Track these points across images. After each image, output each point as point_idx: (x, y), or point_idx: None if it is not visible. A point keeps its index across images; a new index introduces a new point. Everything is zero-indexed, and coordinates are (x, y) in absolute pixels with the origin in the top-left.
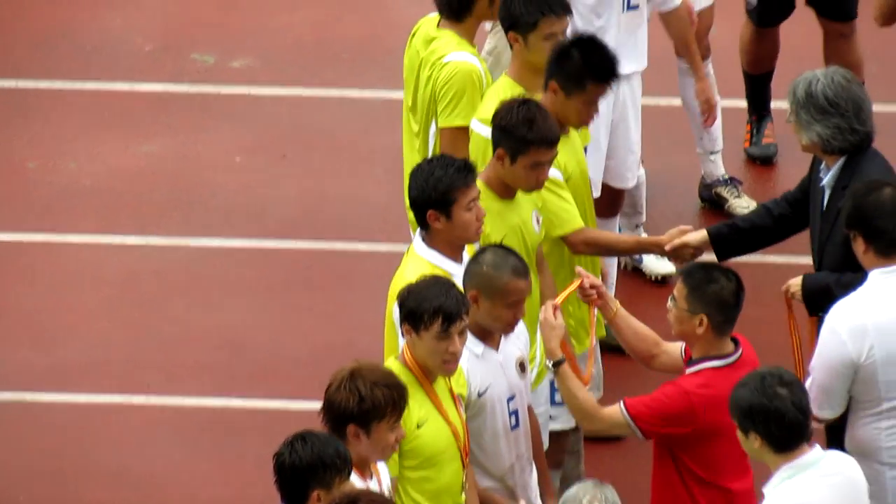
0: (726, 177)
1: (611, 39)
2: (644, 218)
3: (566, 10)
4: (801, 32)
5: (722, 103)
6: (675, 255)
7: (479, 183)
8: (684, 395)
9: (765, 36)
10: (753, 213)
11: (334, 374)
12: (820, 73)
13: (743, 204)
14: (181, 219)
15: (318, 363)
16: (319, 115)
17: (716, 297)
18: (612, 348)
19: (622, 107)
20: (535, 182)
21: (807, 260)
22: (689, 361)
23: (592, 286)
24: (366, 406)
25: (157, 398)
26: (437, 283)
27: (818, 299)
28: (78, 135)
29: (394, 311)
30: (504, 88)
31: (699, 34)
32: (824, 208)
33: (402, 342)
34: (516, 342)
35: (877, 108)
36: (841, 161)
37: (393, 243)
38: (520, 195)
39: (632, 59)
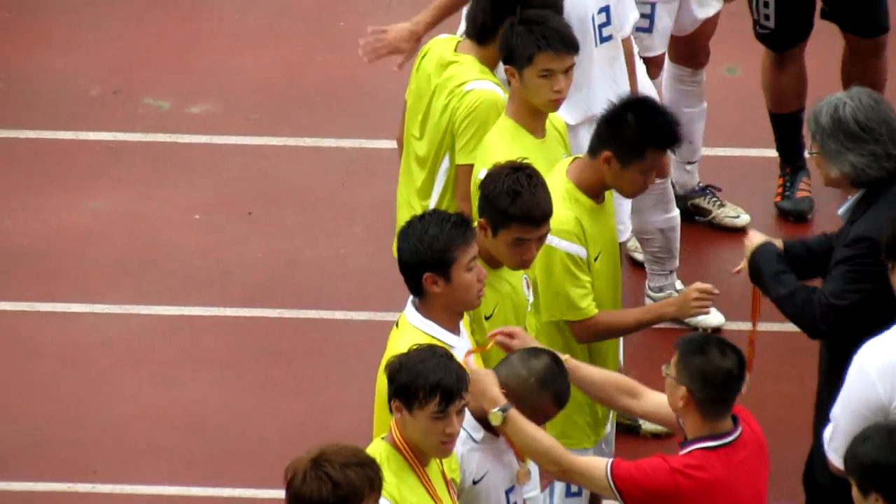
0: (702, 185)
1: (587, 75)
2: (678, 263)
3: (568, 48)
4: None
5: (748, 151)
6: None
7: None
8: (671, 473)
9: (787, 63)
10: (820, 240)
11: (291, 465)
12: (844, 95)
13: (730, 213)
14: (132, 284)
15: (289, 446)
16: (290, 166)
17: (699, 371)
18: None
19: None
20: (520, 260)
21: None
22: (682, 442)
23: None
24: (342, 492)
25: (105, 486)
26: (434, 355)
27: (755, 275)
28: (15, 189)
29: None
30: (505, 132)
31: (701, 41)
32: (836, 241)
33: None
34: None
35: None
36: (860, 192)
37: (372, 311)
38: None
39: (612, 94)
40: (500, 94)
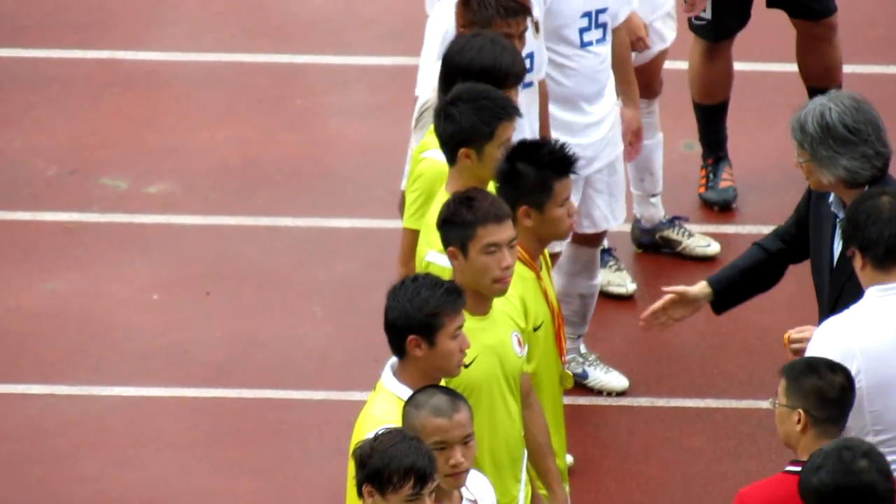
0: (668, 217)
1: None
2: (585, 329)
3: (517, 113)
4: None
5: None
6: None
7: None
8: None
9: (717, 55)
10: (749, 255)
11: None
12: (826, 100)
13: (700, 242)
14: (91, 365)
15: None
16: (248, 246)
17: (814, 389)
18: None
19: None
20: (499, 270)
21: None
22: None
23: None
24: None
25: None
26: (405, 438)
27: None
28: None
29: None
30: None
31: (653, 74)
32: (842, 246)
33: None
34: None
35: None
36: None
37: (331, 391)
38: (496, 312)
39: (530, 136)
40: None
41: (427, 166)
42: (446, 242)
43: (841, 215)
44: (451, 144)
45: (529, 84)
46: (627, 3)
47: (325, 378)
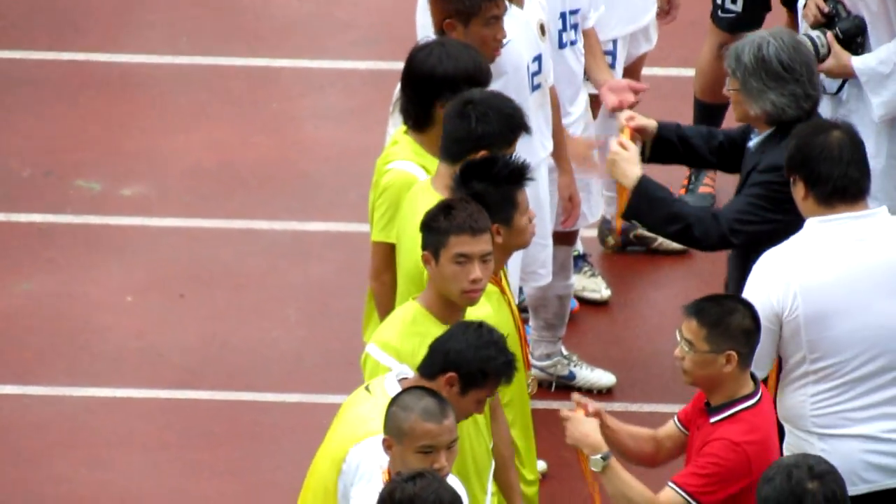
0: None
1: (532, 123)
2: (564, 331)
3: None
4: None
5: None
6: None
7: (417, 307)
8: (736, 447)
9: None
10: (700, 132)
11: None
12: (767, 34)
13: None
14: (65, 366)
15: None
16: (222, 249)
17: (740, 328)
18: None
19: (535, 195)
20: (467, 282)
21: None
22: (711, 409)
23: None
24: None
25: None
26: (441, 484)
27: (641, 207)
28: None
29: (346, 467)
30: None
31: (635, 76)
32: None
33: None
34: None
35: None
36: (772, 128)
37: (304, 393)
38: None
39: (546, 139)
40: (416, 177)
41: (394, 178)
42: (424, 245)
43: (751, 144)
44: (468, 146)
45: (538, 86)
46: (595, 8)
47: (298, 381)
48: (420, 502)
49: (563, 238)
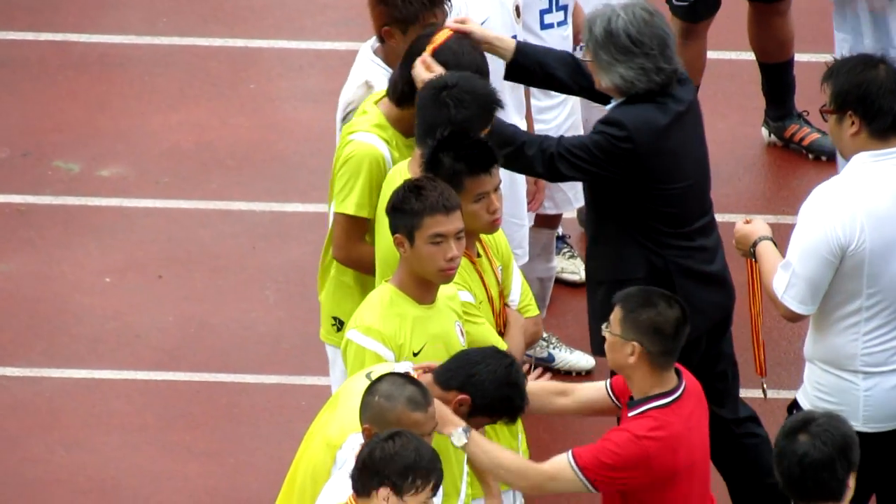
0: None
1: (505, 99)
2: (545, 314)
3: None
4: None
5: None
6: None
7: (392, 289)
8: (636, 441)
9: (693, 37)
10: (564, 60)
11: None
12: (619, 8)
13: None
14: (42, 347)
15: None
16: (200, 230)
17: (650, 323)
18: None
19: (509, 174)
20: (444, 261)
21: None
22: (630, 402)
23: None
24: None
25: None
26: (422, 443)
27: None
28: None
29: (341, 455)
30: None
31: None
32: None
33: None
34: None
35: None
36: (621, 99)
37: (283, 375)
38: (440, 303)
39: (520, 119)
40: (379, 149)
41: (356, 148)
42: (393, 229)
43: (606, 108)
44: (444, 130)
45: (563, 23)
46: None
47: (276, 362)
48: (401, 459)
49: (546, 221)
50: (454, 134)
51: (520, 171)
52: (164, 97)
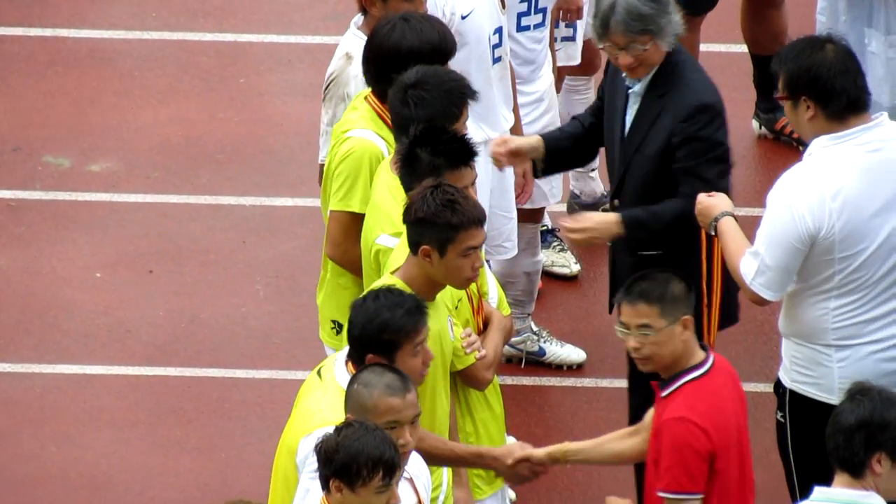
0: (609, 191)
1: (488, 96)
2: (533, 307)
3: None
4: None
5: None
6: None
7: (399, 283)
8: (691, 426)
9: (689, 28)
10: (572, 126)
11: None
12: None
13: None
14: (33, 343)
15: None
16: (190, 224)
17: (684, 292)
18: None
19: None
20: (471, 271)
21: None
22: (661, 383)
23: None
24: None
25: None
26: (369, 431)
27: (638, 234)
28: None
29: (300, 460)
30: (399, 189)
31: (595, 50)
32: (633, 118)
33: (298, 501)
34: (416, 481)
35: None
36: (656, 68)
37: (274, 370)
38: (439, 299)
39: (507, 111)
40: (378, 146)
41: (354, 145)
42: (420, 239)
43: (636, 88)
44: (417, 127)
45: (499, 59)
46: None
47: (267, 357)
48: (344, 450)
49: (530, 215)
50: (429, 129)
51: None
52: (154, 92)
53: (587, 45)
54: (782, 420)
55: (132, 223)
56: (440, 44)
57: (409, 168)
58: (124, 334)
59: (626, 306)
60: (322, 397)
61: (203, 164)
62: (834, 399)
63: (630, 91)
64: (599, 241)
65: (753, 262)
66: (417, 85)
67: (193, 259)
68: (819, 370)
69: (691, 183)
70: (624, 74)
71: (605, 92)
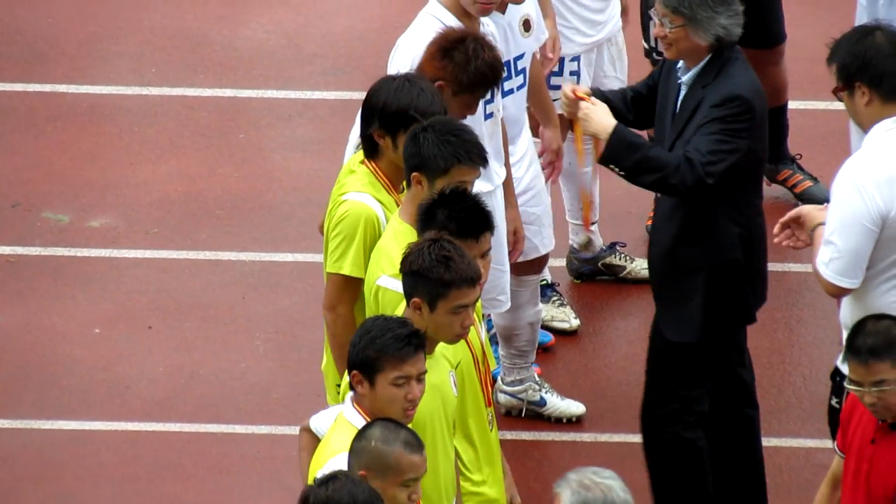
0: (608, 245)
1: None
2: (535, 355)
3: (482, 162)
4: None
5: None
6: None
7: None
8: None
9: (771, 61)
10: (615, 94)
11: None
12: None
13: (644, 265)
14: (32, 399)
15: None
16: (190, 280)
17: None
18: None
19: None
20: (460, 328)
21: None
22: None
23: None
24: None
25: None
26: (356, 484)
27: (619, 152)
28: None
29: None
30: (404, 235)
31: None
32: (677, 108)
33: None
34: None
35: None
36: (706, 59)
37: (273, 425)
38: (438, 352)
39: (499, 166)
40: (374, 210)
41: (350, 209)
42: (413, 291)
43: (684, 79)
44: (408, 165)
45: (490, 115)
46: (537, 40)
47: (266, 412)
48: None
49: (531, 266)
50: (454, 192)
51: (667, 194)
52: (154, 147)
53: None
54: (837, 406)
55: (131, 279)
56: (429, 107)
57: (425, 224)
58: (123, 390)
59: (857, 366)
60: (332, 433)
61: (203, 220)
62: None
63: (680, 82)
64: (585, 128)
65: (826, 251)
66: (425, 127)
67: (193, 315)
68: None
69: (692, 145)
70: (678, 66)
71: (658, 83)
